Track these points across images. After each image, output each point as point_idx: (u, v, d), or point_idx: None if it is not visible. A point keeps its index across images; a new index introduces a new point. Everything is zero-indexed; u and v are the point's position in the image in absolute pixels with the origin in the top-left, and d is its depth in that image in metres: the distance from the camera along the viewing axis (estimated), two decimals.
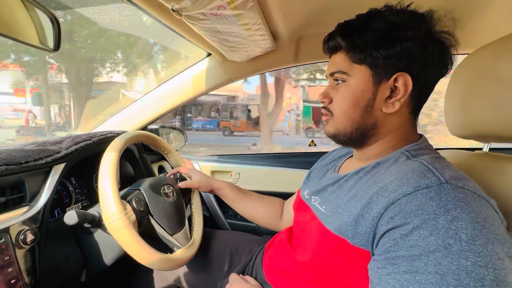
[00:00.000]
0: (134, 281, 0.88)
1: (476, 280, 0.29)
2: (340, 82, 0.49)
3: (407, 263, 0.33)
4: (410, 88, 0.44)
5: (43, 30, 0.46)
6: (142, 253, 0.52)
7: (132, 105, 1.05)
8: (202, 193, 1.07)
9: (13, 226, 0.47)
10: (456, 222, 0.31)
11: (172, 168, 1.09)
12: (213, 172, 1.17)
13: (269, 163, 1.14)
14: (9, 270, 0.45)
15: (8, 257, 0.45)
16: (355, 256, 0.41)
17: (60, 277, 0.57)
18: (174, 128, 1.24)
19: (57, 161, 0.58)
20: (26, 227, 0.49)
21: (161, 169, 1.11)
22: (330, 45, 0.50)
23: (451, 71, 0.50)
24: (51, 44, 0.46)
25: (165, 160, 1.13)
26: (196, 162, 1.19)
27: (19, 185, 0.53)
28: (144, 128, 1.10)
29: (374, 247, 0.39)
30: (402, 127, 0.48)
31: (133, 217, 0.54)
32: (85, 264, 0.64)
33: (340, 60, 0.49)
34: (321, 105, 0.53)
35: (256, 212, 0.81)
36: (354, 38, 0.46)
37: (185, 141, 1.26)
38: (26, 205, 0.52)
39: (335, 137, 0.51)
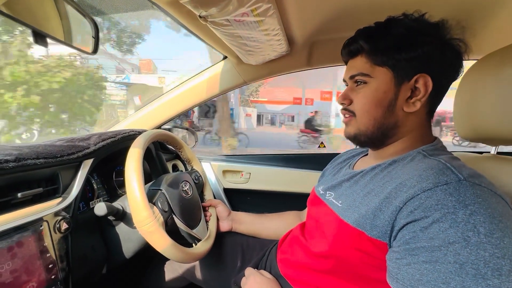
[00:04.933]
0: (148, 274, 0.91)
1: (493, 269, 0.31)
2: (361, 84, 0.51)
3: (427, 254, 0.35)
4: (430, 88, 0.47)
5: (82, 34, 0.50)
6: (173, 252, 0.56)
7: (149, 105, 1.09)
8: (213, 191, 1.11)
9: (50, 215, 0.50)
10: (475, 216, 0.34)
11: (184, 165, 1.13)
12: (224, 172, 1.20)
13: (280, 164, 1.17)
14: (47, 255, 0.48)
15: (46, 243, 0.48)
16: (372, 248, 0.44)
17: (87, 266, 0.60)
18: (187, 129, 1.28)
19: (86, 156, 0.62)
20: (60, 217, 0.52)
21: (175, 168, 1.14)
22: (352, 49, 0.53)
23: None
24: (90, 47, 0.50)
25: (179, 159, 1.17)
26: (207, 162, 1.22)
27: (53, 177, 0.56)
28: (159, 127, 1.14)
29: (392, 239, 0.41)
30: (420, 127, 0.51)
31: (161, 219, 0.58)
32: (107, 256, 0.67)
33: (361, 63, 0.51)
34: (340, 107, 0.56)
35: (278, 226, 0.82)
36: (377, 42, 0.49)
37: (196, 141, 1.30)
38: (60, 197, 0.56)
39: (355, 138, 0.54)
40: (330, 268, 0.50)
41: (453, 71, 0.50)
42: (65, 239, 0.53)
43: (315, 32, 0.81)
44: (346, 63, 0.58)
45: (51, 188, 0.55)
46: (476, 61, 0.55)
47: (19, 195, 0.48)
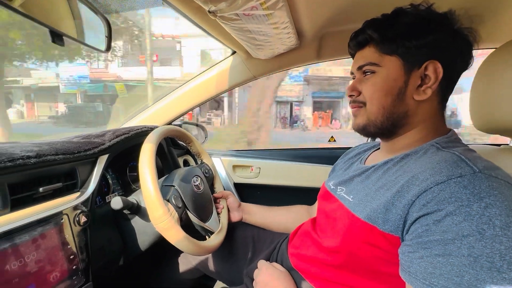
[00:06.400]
0: (163, 266, 0.94)
1: (510, 263, 0.30)
2: (369, 73, 0.51)
3: (440, 247, 0.34)
4: (440, 75, 0.46)
5: (96, 32, 0.51)
6: (190, 247, 0.57)
7: (160, 101, 1.10)
8: (223, 185, 1.12)
9: (69, 209, 0.53)
10: (490, 209, 0.33)
11: (195, 159, 1.15)
12: (234, 167, 1.21)
13: (289, 158, 1.17)
14: (68, 246, 0.50)
15: (67, 236, 0.51)
16: (383, 242, 0.44)
17: (104, 258, 0.62)
18: (197, 125, 1.29)
19: (102, 152, 0.64)
20: (79, 210, 0.55)
21: (186, 163, 1.16)
22: (360, 39, 0.53)
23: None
24: (103, 45, 0.51)
25: (189, 154, 1.18)
26: (217, 157, 1.23)
27: (71, 173, 0.58)
28: (170, 123, 1.16)
29: (404, 233, 0.41)
30: (432, 118, 0.50)
31: (176, 215, 0.59)
32: (123, 248, 0.69)
33: (369, 53, 0.51)
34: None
35: (287, 219, 0.83)
36: (386, 30, 0.49)
37: (206, 137, 1.31)
38: (78, 191, 0.58)
39: (365, 129, 0.53)
40: (342, 262, 0.51)
41: (464, 60, 0.49)
42: (84, 232, 0.55)
43: (325, 24, 0.79)
44: (353, 56, 0.57)
45: (70, 183, 0.58)
46: (494, 49, 0.53)
47: (40, 189, 0.50)
